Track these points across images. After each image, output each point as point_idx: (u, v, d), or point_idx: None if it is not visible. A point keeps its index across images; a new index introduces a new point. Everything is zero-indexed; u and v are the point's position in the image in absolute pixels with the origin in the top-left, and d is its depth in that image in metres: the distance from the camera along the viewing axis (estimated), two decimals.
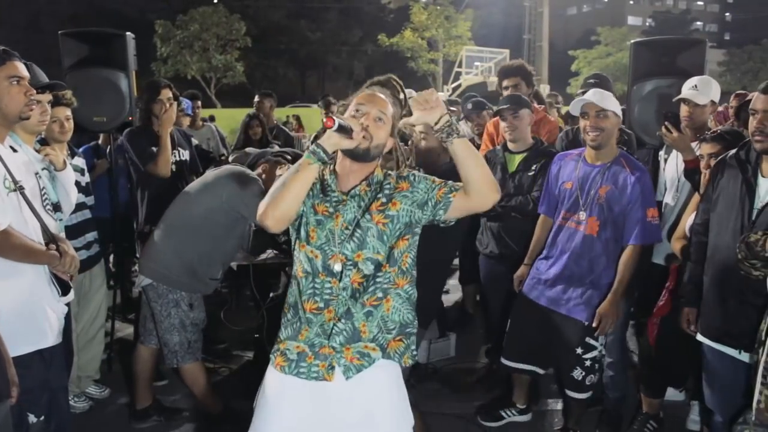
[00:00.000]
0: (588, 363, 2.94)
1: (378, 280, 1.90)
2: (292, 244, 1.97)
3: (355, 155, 1.87)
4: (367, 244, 1.88)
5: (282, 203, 1.80)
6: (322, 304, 1.89)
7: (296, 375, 1.90)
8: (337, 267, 1.88)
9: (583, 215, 2.88)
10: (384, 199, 1.91)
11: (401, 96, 1.97)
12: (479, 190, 1.82)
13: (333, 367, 1.89)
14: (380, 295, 1.91)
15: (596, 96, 2.87)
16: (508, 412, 3.30)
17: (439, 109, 1.80)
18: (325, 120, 1.76)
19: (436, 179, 1.95)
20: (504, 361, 3.17)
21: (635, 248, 2.82)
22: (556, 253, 2.98)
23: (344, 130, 1.77)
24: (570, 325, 2.93)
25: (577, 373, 2.95)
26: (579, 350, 2.93)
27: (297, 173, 1.80)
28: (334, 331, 1.89)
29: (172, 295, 3.05)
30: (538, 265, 3.06)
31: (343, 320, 1.89)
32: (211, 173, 3.18)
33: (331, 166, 1.96)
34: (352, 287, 1.88)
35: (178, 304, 3.05)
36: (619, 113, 2.91)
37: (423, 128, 2.72)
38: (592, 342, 2.92)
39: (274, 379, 1.95)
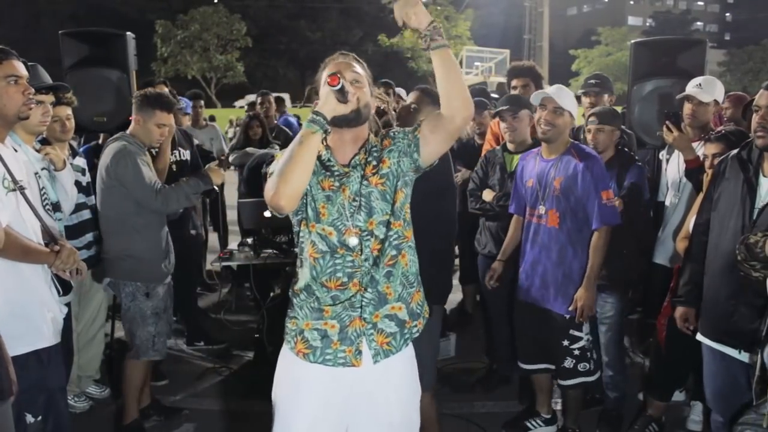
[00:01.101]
0: (577, 352, 2.99)
1: (391, 239, 1.88)
2: (297, 225, 1.92)
3: (348, 120, 1.83)
4: (375, 209, 1.86)
5: (293, 178, 1.72)
6: (345, 279, 1.84)
7: (322, 363, 1.85)
8: (354, 241, 1.84)
9: (542, 209, 2.95)
10: (374, 162, 1.89)
11: (360, 62, 1.97)
12: (452, 103, 1.79)
13: (360, 352, 1.85)
14: (394, 252, 1.89)
15: (556, 93, 2.95)
16: (534, 423, 3.29)
17: (420, 13, 1.78)
18: (328, 79, 1.73)
19: (412, 127, 1.94)
20: (521, 365, 3.21)
21: (599, 232, 2.89)
22: (528, 250, 3.05)
23: (342, 93, 1.74)
24: (554, 319, 2.98)
25: (568, 363, 3.00)
26: (565, 342, 2.98)
27: (302, 144, 1.73)
28: (363, 302, 1.85)
29: (128, 288, 3.08)
30: (521, 265, 3.10)
31: (369, 289, 1.86)
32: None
33: (324, 142, 1.92)
34: (373, 256, 1.86)
35: (135, 296, 3.08)
36: (573, 112, 2.99)
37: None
38: (577, 333, 2.97)
39: (295, 367, 1.90)
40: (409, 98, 2.92)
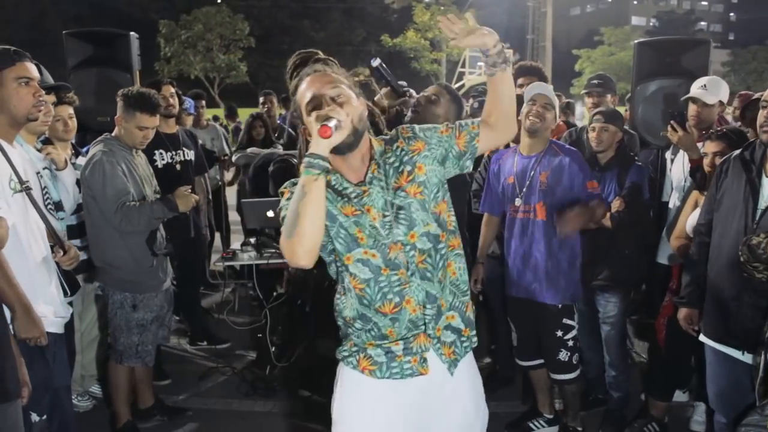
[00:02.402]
0: (570, 343, 3.02)
1: (440, 250, 1.78)
2: (328, 256, 1.81)
3: (350, 145, 1.67)
4: (415, 221, 1.75)
5: (306, 234, 1.58)
6: (398, 299, 1.75)
7: (389, 378, 1.78)
8: (400, 257, 1.74)
9: (528, 205, 2.99)
10: (409, 167, 1.77)
11: (329, 61, 1.83)
12: (506, 125, 1.78)
13: (425, 360, 1.78)
14: (442, 263, 1.79)
15: (549, 90, 3.04)
16: (536, 423, 3.29)
17: (489, 34, 1.70)
18: (318, 131, 1.56)
19: (440, 127, 1.83)
20: (518, 362, 3.23)
21: None
22: (515, 246, 3.06)
23: (338, 129, 1.59)
24: (547, 310, 3.00)
25: (563, 355, 3.02)
26: (559, 333, 3.00)
27: (306, 196, 1.57)
28: (426, 319, 1.77)
29: (116, 296, 3.05)
30: (508, 263, 3.11)
31: (428, 305, 1.77)
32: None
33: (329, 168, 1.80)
34: (419, 270, 1.75)
35: (122, 305, 3.05)
36: (557, 109, 3.05)
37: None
38: (569, 322, 3.01)
39: (362, 385, 1.81)
40: (430, 90, 2.97)
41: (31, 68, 2.19)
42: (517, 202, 3.02)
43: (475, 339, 1.90)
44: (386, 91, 2.80)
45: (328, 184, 1.74)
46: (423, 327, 1.77)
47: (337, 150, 1.65)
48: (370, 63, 1.74)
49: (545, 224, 2.95)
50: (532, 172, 2.98)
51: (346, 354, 1.84)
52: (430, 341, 1.78)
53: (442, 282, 1.79)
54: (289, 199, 1.71)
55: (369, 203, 1.74)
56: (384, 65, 1.69)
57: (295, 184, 1.72)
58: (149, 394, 3.35)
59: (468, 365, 1.90)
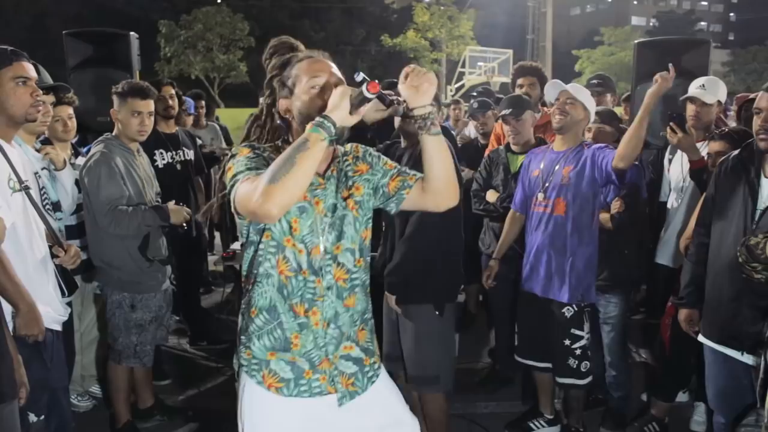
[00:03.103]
0: (578, 352, 3.00)
1: (354, 276, 1.74)
2: (255, 235, 1.71)
3: (339, 138, 1.58)
4: (345, 234, 1.71)
5: (292, 186, 1.45)
6: (306, 306, 1.68)
7: (298, 396, 1.69)
8: (318, 262, 1.67)
9: (549, 199, 2.96)
10: (350, 183, 1.74)
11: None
12: (439, 190, 1.69)
13: (333, 379, 1.72)
14: (355, 288, 1.75)
15: (572, 87, 3.00)
16: (537, 423, 3.29)
17: (429, 95, 1.59)
18: (368, 86, 1.49)
19: (390, 162, 1.81)
20: (517, 358, 3.21)
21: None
22: (532, 240, 3.05)
23: (384, 100, 1.54)
24: (558, 311, 2.98)
25: (572, 362, 3.00)
26: (567, 342, 2.98)
27: (307, 150, 1.46)
28: (327, 339, 1.70)
29: (115, 296, 3.04)
30: (527, 257, 3.10)
31: (332, 325, 1.70)
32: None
33: (286, 144, 1.72)
34: (337, 286, 1.69)
35: (121, 305, 3.04)
36: (590, 108, 2.97)
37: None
38: (578, 332, 2.98)
39: (266, 402, 1.71)
40: None
41: (29, 68, 2.19)
42: (540, 196, 3.00)
43: (378, 366, 1.83)
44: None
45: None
46: (324, 349, 1.70)
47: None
48: (353, 78, 1.75)
49: (563, 219, 2.92)
50: (557, 167, 2.95)
51: (245, 365, 1.73)
52: (330, 366, 1.72)
53: (354, 306, 1.75)
54: (243, 163, 1.60)
55: (321, 197, 1.70)
56: (367, 78, 1.68)
57: (253, 147, 1.66)
58: (149, 394, 3.35)
59: (374, 394, 1.80)
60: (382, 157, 1.83)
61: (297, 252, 1.67)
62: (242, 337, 1.77)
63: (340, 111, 1.52)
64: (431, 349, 2.71)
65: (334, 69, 1.72)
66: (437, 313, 2.71)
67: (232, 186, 1.57)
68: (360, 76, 1.52)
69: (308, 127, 1.52)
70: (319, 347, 1.70)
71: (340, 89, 1.56)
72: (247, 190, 1.50)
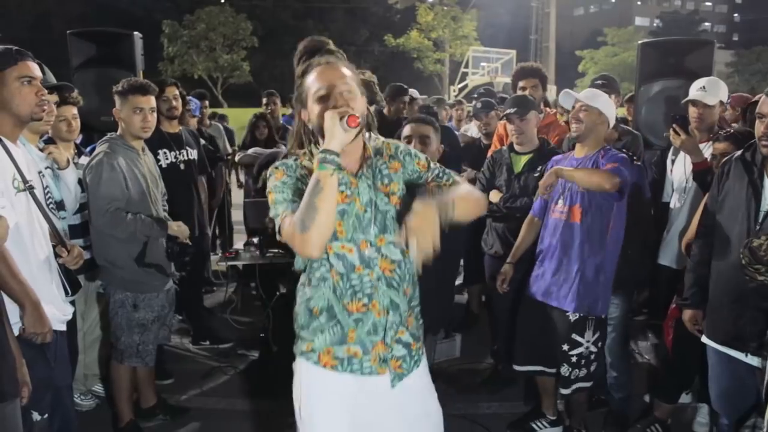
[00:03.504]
0: (574, 359, 2.96)
1: (408, 265, 1.84)
2: None
3: (353, 139, 1.69)
4: (388, 228, 1.80)
5: (321, 227, 1.61)
6: (366, 300, 1.78)
7: (350, 372, 1.81)
8: (367, 255, 1.77)
9: (565, 205, 2.95)
10: (387, 180, 1.83)
11: (339, 54, 1.86)
12: (470, 216, 1.81)
13: (385, 360, 1.83)
14: (409, 278, 1.86)
15: (585, 94, 2.98)
16: (539, 424, 3.28)
17: (432, 234, 1.59)
18: (347, 121, 1.59)
19: (422, 161, 1.88)
20: (515, 367, 3.20)
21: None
22: (546, 246, 3.04)
23: (359, 126, 1.63)
24: (559, 317, 2.96)
25: (564, 369, 2.99)
26: (565, 347, 2.96)
27: (322, 192, 1.59)
28: (387, 326, 1.81)
29: (118, 296, 3.04)
30: (539, 263, 3.09)
31: (391, 312, 1.81)
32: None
33: (309, 154, 1.80)
34: (385, 276, 1.79)
35: (123, 305, 3.04)
36: (607, 112, 2.93)
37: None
38: (578, 338, 2.95)
39: (322, 378, 1.83)
40: (418, 131, 2.92)
41: (34, 67, 2.20)
42: (560, 203, 2.99)
43: (422, 352, 1.95)
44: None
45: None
46: (383, 334, 1.81)
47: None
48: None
49: (578, 227, 2.90)
50: None
51: (304, 350, 1.84)
52: (387, 350, 1.82)
53: (407, 295, 1.85)
54: (280, 190, 1.74)
55: (357, 195, 1.78)
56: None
57: (285, 166, 1.77)
58: (152, 393, 3.35)
59: (416, 380, 1.91)
60: (415, 154, 1.89)
61: (346, 252, 1.78)
62: (303, 332, 1.86)
63: (336, 139, 1.61)
64: None
65: (342, 75, 1.74)
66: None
67: (276, 215, 1.74)
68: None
69: (315, 165, 1.62)
70: (377, 333, 1.81)
71: (328, 116, 1.62)
72: (288, 233, 1.67)
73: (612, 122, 3.02)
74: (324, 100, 1.70)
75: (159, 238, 3.04)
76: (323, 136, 1.66)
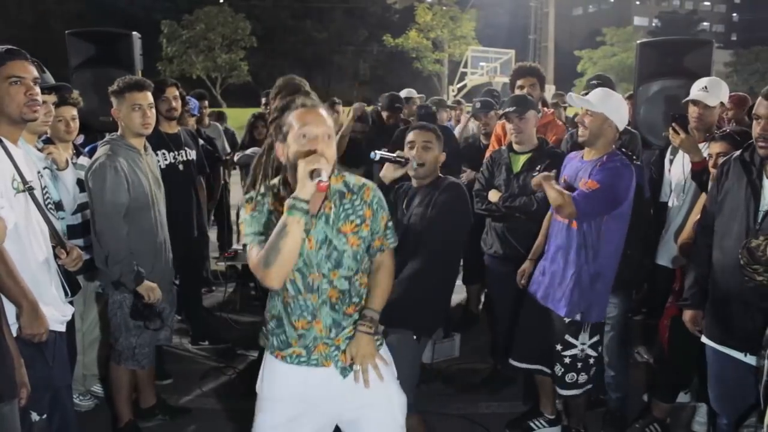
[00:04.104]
0: (567, 360, 2.95)
1: (352, 291, 2.01)
2: None
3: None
4: (343, 264, 1.96)
5: (284, 268, 1.82)
6: (310, 318, 1.98)
7: (298, 364, 2.01)
8: (315, 284, 1.96)
9: None
10: (358, 221, 1.98)
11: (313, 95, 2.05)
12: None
13: (328, 357, 2.01)
14: (357, 300, 2.04)
15: (593, 97, 2.95)
16: (537, 423, 3.28)
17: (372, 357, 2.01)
18: (318, 187, 1.75)
19: (384, 216, 2.05)
20: (511, 362, 3.19)
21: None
22: (549, 247, 3.04)
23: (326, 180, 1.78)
24: (554, 319, 2.96)
25: (557, 369, 2.98)
26: (558, 347, 2.96)
27: (288, 236, 1.77)
28: (330, 340, 2.00)
29: (116, 297, 3.01)
30: (541, 262, 3.10)
31: (333, 330, 2.00)
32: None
33: (285, 187, 1.95)
34: (330, 301, 1.98)
35: (122, 305, 3.01)
36: (613, 116, 2.86)
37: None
38: (571, 340, 2.94)
39: (274, 366, 2.05)
40: (420, 137, 2.94)
41: (24, 67, 2.18)
42: None
43: (380, 343, 2.10)
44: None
45: (283, 203, 1.88)
46: (324, 341, 2.00)
47: None
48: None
49: (575, 232, 2.88)
50: (577, 178, 2.92)
51: (267, 346, 2.10)
52: (328, 349, 2.01)
53: (349, 314, 2.02)
54: (249, 224, 1.94)
55: (312, 234, 1.93)
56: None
57: (253, 201, 1.96)
58: (151, 393, 3.35)
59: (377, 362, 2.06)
60: (383, 209, 2.06)
61: (294, 279, 1.95)
62: (264, 329, 2.15)
63: (307, 188, 1.75)
64: (406, 374, 2.59)
65: (325, 120, 1.89)
66: (415, 338, 2.77)
67: (246, 243, 1.96)
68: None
69: (285, 208, 1.77)
70: (320, 341, 2.00)
71: (302, 165, 1.76)
72: (254, 263, 1.86)
73: (623, 124, 2.96)
74: (310, 138, 1.84)
75: (127, 287, 2.94)
76: (294, 176, 1.80)
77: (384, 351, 2.12)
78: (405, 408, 2.13)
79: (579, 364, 2.96)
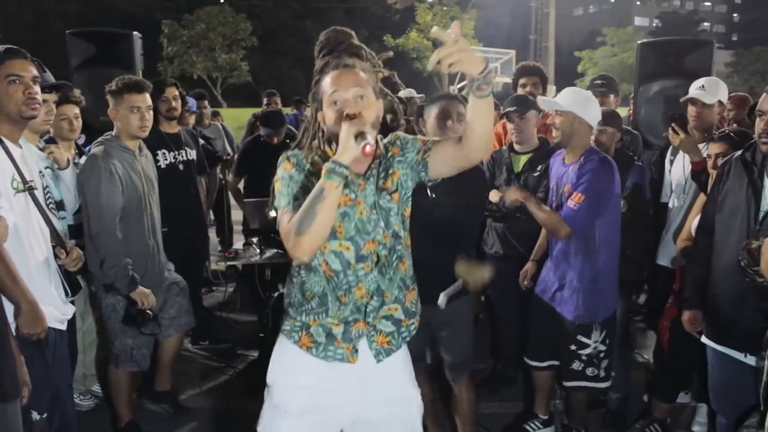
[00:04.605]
0: (585, 357, 2.96)
1: (397, 249, 1.89)
2: None
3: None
4: (391, 224, 1.85)
5: (318, 236, 1.65)
6: (355, 286, 1.85)
7: (323, 358, 1.89)
8: (371, 253, 1.83)
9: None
10: (383, 174, 1.84)
11: (363, 52, 1.83)
12: (477, 146, 1.73)
13: (357, 350, 1.88)
14: (396, 261, 1.90)
15: (561, 97, 2.94)
16: (532, 425, 3.28)
17: (470, 62, 1.56)
18: (362, 149, 1.55)
19: (422, 139, 1.90)
20: (527, 361, 3.19)
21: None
22: (551, 250, 3.05)
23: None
24: (563, 321, 2.96)
25: (576, 365, 2.98)
26: (573, 347, 2.96)
27: (325, 201, 1.60)
28: (368, 308, 1.87)
29: (109, 299, 2.98)
30: (546, 263, 3.10)
31: (375, 297, 1.87)
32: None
33: (320, 151, 1.83)
34: (380, 265, 1.86)
35: (115, 308, 2.98)
36: (584, 114, 2.85)
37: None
38: (584, 339, 2.95)
39: (296, 356, 1.92)
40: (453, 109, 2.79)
41: (23, 65, 2.18)
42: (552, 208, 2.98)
43: (414, 327, 2.00)
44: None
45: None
46: (364, 314, 1.87)
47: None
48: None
49: (574, 239, 2.87)
50: (561, 182, 2.93)
51: (287, 329, 1.94)
52: (367, 328, 1.88)
53: (392, 278, 1.89)
54: (286, 184, 1.77)
55: (361, 198, 1.81)
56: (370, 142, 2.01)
57: (296, 158, 1.80)
58: (168, 376, 3.39)
59: (400, 358, 1.99)
60: (416, 137, 1.90)
61: (343, 250, 1.82)
62: (291, 310, 1.94)
63: (349, 152, 1.59)
64: (456, 340, 2.82)
65: (357, 80, 1.76)
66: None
67: (279, 206, 1.78)
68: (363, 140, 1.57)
69: (323, 172, 1.61)
70: (359, 312, 1.87)
71: (345, 128, 1.60)
72: (285, 230, 1.70)
73: (595, 122, 2.94)
74: (341, 103, 1.73)
75: (120, 291, 2.93)
76: (336, 141, 1.66)
77: (404, 351, 2.01)
78: (422, 409, 2.04)
79: (596, 360, 2.98)
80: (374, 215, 1.82)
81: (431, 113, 2.77)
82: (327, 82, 1.78)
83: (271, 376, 1.96)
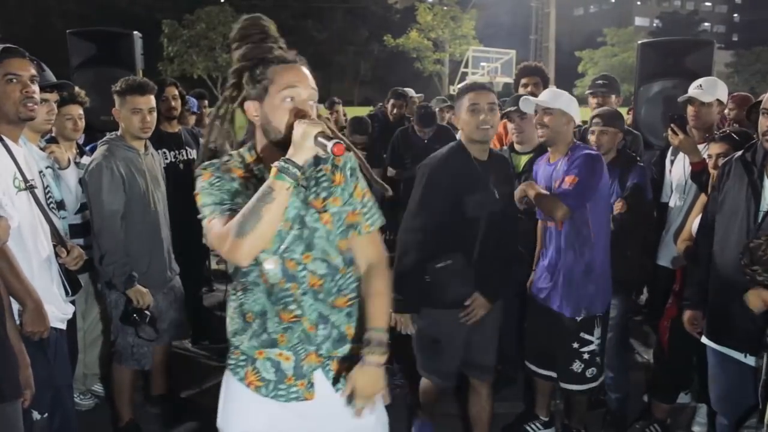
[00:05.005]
0: (586, 356, 2.95)
1: (339, 281, 1.73)
2: None
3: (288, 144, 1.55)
4: (315, 246, 1.68)
5: (261, 239, 1.51)
6: (298, 312, 1.70)
7: (274, 398, 1.72)
8: (292, 271, 1.68)
9: None
10: (324, 194, 1.69)
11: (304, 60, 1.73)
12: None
13: (312, 384, 1.73)
14: (353, 295, 1.76)
15: (546, 96, 2.96)
16: (533, 426, 3.28)
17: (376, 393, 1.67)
18: (334, 149, 1.46)
19: (360, 189, 1.75)
20: (528, 364, 3.19)
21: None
22: (543, 252, 3.05)
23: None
24: (563, 320, 2.95)
25: (576, 366, 2.97)
26: (575, 345, 2.95)
27: (273, 202, 1.48)
28: (320, 340, 1.72)
29: (113, 296, 3.00)
30: (536, 265, 3.11)
31: (321, 325, 1.72)
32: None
33: (252, 152, 1.70)
34: (312, 290, 1.70)
35: (117, 305, 2.99)
36: (569, 110, 2.88)
37: None
38: (587, 336, 2.94)
39: (245, 398, 1.75)
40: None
41: (20, 64, 2.18)
42: None
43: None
44: None
45: (252, 172, 1.67)
46: (315, 347, 1.72)
47: (282, 145, 1.56)
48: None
49: (560, 234, 2.90)
50: (552, 181, 2.93)
51: (233, 363, 1.77)
52: (321, 360, 1.73)
53: (351, 312, 1.76)
54: (208, 193, 1.63)
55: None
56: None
57: (214, 167, 1.65)
58: (162, 382, 3.38)
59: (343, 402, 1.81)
60: (357, 177, 1.76)
61: (272, 266, 1.68)
62: (234, 340, 1.78)
63: (305, 152, 1.50)
64: (481, 340, 2.90)
65: (310, 81, 1.66)
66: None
67: (203, 217, 1.63)
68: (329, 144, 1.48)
69: (272, 172, 1.49)
70: (311, 343, 1.72)
71: (301, 128, 1.50)
72: (218, 234, 1.56)
73: (577, 119, 2.97)
74: (296, 101, 1.61)
75: (117, 288, 2.94)
76: (281, 138, 1.58)
77: None
78: (387, 428, 1.89)
79: (596, 359, 2.98)
80: (294, 231, 1.66)
81: (462, 105, 2.71)
82: (278, 73, 1.63)
83: (220, 419, 1.80)
